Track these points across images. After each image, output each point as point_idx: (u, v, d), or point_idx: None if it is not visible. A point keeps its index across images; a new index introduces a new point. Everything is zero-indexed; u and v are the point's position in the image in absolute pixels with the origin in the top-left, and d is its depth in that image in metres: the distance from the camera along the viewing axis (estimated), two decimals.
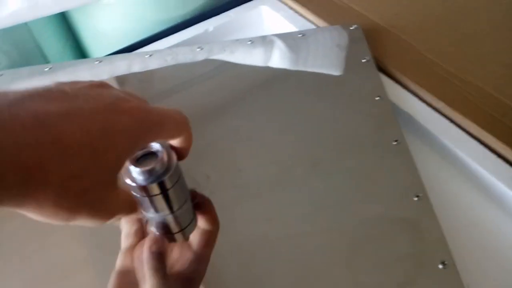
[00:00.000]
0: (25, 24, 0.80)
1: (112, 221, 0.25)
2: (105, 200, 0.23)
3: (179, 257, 0.32)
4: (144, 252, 0.30)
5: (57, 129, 0.20)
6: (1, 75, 0.66)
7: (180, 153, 0.29)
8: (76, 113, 0.21)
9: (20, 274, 0.48)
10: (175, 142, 0.28)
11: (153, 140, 0.27)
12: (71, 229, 0.50)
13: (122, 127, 0.23)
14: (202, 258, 0.32)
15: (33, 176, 0.19)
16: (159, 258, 0.29)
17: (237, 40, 0.68)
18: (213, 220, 0.32)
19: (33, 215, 0.21)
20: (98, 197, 0.22)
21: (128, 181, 0.26)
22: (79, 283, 0.47)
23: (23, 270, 0.48)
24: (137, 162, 0.26)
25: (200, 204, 0.32)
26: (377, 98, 0.59)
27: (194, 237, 0.32)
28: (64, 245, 0.50)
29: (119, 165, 0.23)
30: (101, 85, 0.25)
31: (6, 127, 0.18)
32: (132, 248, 0.32)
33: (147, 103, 0.27)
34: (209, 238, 0.32)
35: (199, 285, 0.32)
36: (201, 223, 0.32)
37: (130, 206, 0.27)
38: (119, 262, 0.32)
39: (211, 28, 0.74)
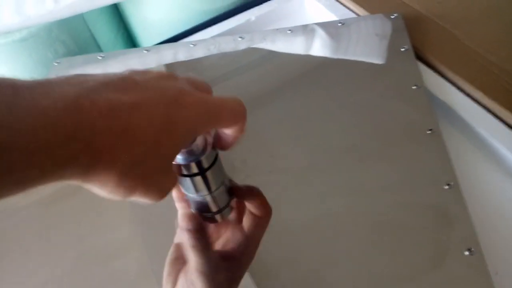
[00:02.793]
0: (81, 15, 0.85)
1: (161, 200, 0.26)
2: (159, 183, 0.25)
3: (230, 238, 0.33)
4: (180, 232, 0.32)
5: (127, 119, 0.22)
6: (59, 62, 0.71)
7: (228, 142, 0.30)
8: (144, 104, 0.23)
9: (74, 251, 0.51)
10: (228, 130, 0.29)
11: (209, 130, 0.29)
12: (122, 209, 0.53)
13: (182, 120, 0.24)
14: (252, 241, 0.33)
15: (102, 159, 0.21)
16: (195, 235, 0.31)
17: (278, 29, 0.69)
18: (266, 206, 0.33)
19: (95, 191, 0.23)
20: (154, 181, 0.24)
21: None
22: (130, 261, 0.50)
23: (77, 248, 0.51)
24: None
25: (253, 192, 0.33)
26: (414, 87, 0.59)
27: (247, 221, 0.33)
28: (116, 224, 0.53)
29: (175, 153, 0.25)
30: (169, 76, 0.27)
31: (85, 111, 0.20)
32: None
33: (210, 89, 0.29)
34: (261, 224, 0.33)
35: (246, 268, 0.33)
36: (254, 209, 0.33)
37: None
38: (172, 248, 0.34)
39: (253, 18, 0.76)
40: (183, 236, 0.32)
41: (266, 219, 0.33)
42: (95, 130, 0.20)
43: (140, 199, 0.25)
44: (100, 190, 0.23)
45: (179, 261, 0.32)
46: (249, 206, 0.33)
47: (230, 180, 0.34)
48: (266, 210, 0.33)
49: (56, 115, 0.19)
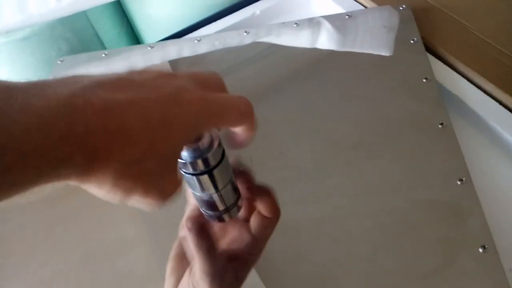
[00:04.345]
0: (84, 12, 0.84)
1: (163, 205, 0.26)
2: (159, 185, 0.24)
3: (236, 238, 0.33)
4: (185, 230, 0.31)
5: (122, 118, 0.21)
6: (62, 60, 0.70)
7: (239, 141, 0.29)
8: (139, 103, 0.22)
9: (80, 249, 0.51)
10: (237, 129, 0.29)
11: (211, 128, 0.27)
12: (128, 207, 0.53)
13: (179, 119, 0.23)
14: (258, 242, 0.32)
15: (97, 159, 0.21)
16: (199, 233, 0.30)
17: (283, 23, 0.68)
18: (275, 208, 0.32)
19: (93, 192, 0.23)
20: (153, 182, 0.23)
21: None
22: (136, 259, 0.49)
23: (83, 246, 0.51)
24: None
25: (263, 191, 0.33)
26: (424, 80, 0.58)
27: (254, 221, 0.33)
28: (122, 222, 0.52)
29: (175, 153, 0.25)
30: (168, 75, 0.26)
31: (79, 110, 0.20)
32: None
33: (221, 83, 0.28)
34: (269, 224, 0.32)
35: (251, 268, 0.32)
36: (263, 209, 0.33)
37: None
38: (175, 243, 0.33)
39: (258, 12, 0.74)
40: (187, 236, 0.31)
41: (274, 220, 0.33)
42: (89, 129, 0.20)
43: (139, 202, 0.24)
44: (98, 190, 0.22)
45: (183, 256, 0.32)
46: (258, 205, 0.33)
47: (244, 174, 0.33)
48: (274, 211, 0.32)
49: (49, 115, 0.19)
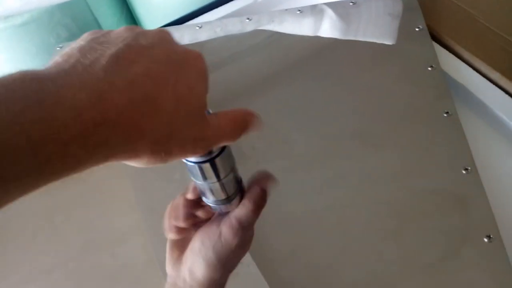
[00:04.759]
0: None
1: (206, 148, 0.27)
2: (193, 135, 0.25)
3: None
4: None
5: (144, 89, 0.22)
6: (62, 47, 0.69)
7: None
8: (156, 72, 0.23)
9: (79, 237, 0.51)
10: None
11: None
12: (128, 196, 0.53)
13: (193, 73, 0.25)
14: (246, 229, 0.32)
15: (131, 135, 0.22)
16: (176, 218, 0.32)
17: (286, 9, 0.67)
18: (256, 209, 0.32)
19: (134, 164, 0.24)
20: (186, 136, 0.25)
21: None
22: (135, 247, 0.49)
23: (82, 234, 0.51)
24: None
25: (254, 190, 0.33)
26: (429, 68, 0.57)
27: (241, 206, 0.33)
28: (121, 210, 0.52)
29: (200, 103, 0.26)
30: (167, 39, 0.26)
31: (107, 97, 0.21)
32: None
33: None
34: (256, 208, 0.32)
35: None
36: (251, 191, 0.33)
37: (219, 133, 0.28)
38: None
39: None
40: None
41: (261, 203, 0.33)
42: (119, 110, 0.21)
43: (183, 157, 0.26)
44: (138, 162, 0.24)
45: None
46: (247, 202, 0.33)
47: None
48: (255, 212, 0.32)
49: (82, 106, 0.20)
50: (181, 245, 0.34)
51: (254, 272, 0.44)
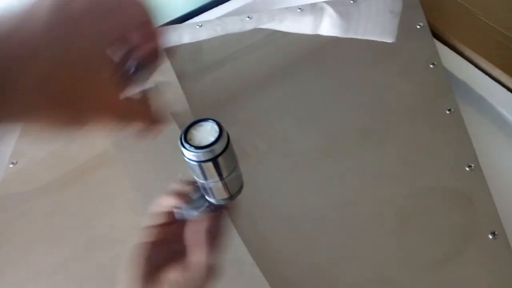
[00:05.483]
0: None
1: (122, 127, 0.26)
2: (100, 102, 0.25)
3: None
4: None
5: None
6: None
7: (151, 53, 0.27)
8: None
9: (80, 237, 0.51)
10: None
11: (117, 22, 0.25)
12: (126, 197, 0.53)
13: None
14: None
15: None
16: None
17: (286, 8, 0.67)
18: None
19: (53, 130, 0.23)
20: (95, 102, 0.24)
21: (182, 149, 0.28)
22: (134, 246, 0.49)
23: (83, 234, 0.51)
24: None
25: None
26: (431, 66, 0.57)
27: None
28: (121, 210, 0.52)
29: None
30: None
31: None
32: None
33: None
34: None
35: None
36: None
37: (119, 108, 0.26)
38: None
39: None
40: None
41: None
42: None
43: (95, 126, 0.25)
44: (56, 129, 0.23)
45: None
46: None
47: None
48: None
49: None
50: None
51: (257, 273, 0.43)
